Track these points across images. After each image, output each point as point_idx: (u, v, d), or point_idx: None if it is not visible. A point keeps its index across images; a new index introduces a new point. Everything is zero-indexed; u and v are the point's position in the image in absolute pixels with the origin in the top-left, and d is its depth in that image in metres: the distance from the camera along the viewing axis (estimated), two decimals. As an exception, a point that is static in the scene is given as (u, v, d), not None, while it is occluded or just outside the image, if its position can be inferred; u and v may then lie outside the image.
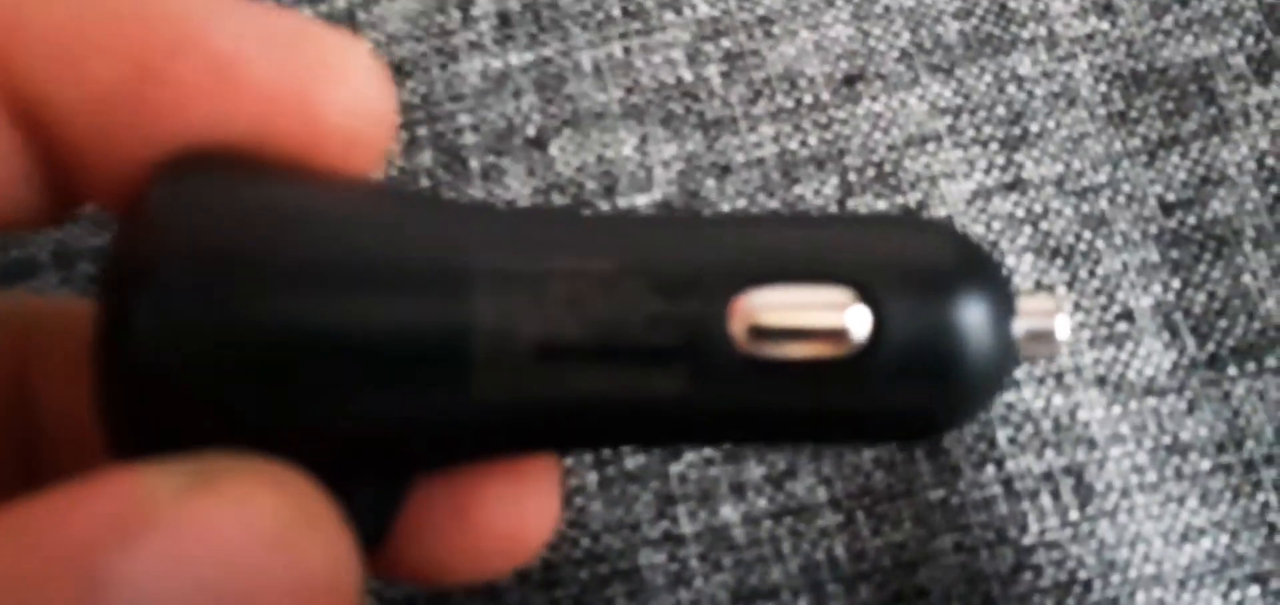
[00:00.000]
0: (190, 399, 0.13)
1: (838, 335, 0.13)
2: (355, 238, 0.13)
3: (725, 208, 0.26)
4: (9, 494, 0.17)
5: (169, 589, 0.11)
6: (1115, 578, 0.23)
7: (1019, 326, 0.14)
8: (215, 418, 0.13)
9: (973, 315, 0.14)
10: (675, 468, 0.24)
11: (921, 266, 0.14)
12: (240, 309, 0.13)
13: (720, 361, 0.13)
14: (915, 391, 0.14)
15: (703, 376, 0.13)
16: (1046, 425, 0.25)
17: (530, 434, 0.14)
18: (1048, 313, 0.14)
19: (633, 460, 0.24)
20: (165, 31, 0.14)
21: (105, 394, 0.13)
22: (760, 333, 0.13)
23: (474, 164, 0.27)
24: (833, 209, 0.26)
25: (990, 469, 0.24)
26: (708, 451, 0.24)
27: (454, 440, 0.14)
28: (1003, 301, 0.14)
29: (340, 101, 0.14)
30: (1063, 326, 0.14)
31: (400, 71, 0.28)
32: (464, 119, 0.27)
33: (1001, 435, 0.24)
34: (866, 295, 0.13)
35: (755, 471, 0.24)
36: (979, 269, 0.14)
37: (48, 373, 0.17)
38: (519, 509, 0.16)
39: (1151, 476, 0.24)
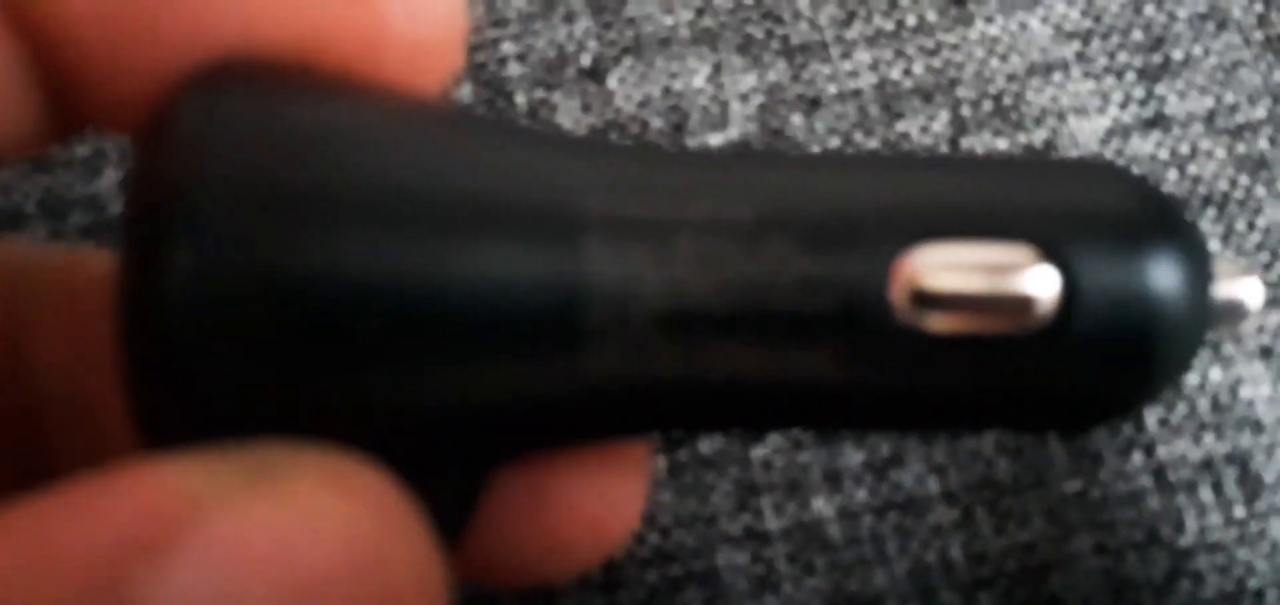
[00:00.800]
0: (237, 364, 0.11)
1: (1022, 305, 0.11)
2: (439, 168, 0.11)
3: (815, 149, 0.23)
4: (8, 469, 0.15)
5: None
6: (1296, 589, 0.20)
7: (1215, 292, 0.13)
8: (267, 388, 0.11)
9: (1176, 280, 0.12)
10: (758, 452, 0.21)
11: (1118, 220, 0.12)
12: (299, 250, 0.11)
13: (879, 336, 0.11)
14: (1108, 370, 0.12)
15: (856, 352, 0.11)
16: (1203, 405, 0.21)
17: (648, 416, 0.12)
18: (1240, 278, 0.13)
19: (708, 443, 0.21)
20: None
21: (132, 357, 0.11)
22: (928, 300, 0.11)
23: (520, 99, 0.24)
24: (943, 149, 0.23)
25: (1138, 456, 0.21)
26: (795, 432, 0.21)
27: (556, 423, 0.12)
28: (1202, 264, 0.12)
29: (404, 3, 0.12)
30: (1256, 295, 0.13)
31: (436, -9, 0.24)
32: (508, 47, 0.24)
33: (1150, 416, 0.21)
34: (1055, 256, 0.11)
35: (853, 458, 0.21)
36: (1178, 226, 0.12)
37: (42, 330, 0.15)
38: (605, 494, 0.14)
39: (1335, 467, 0.21)
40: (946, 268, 0.11)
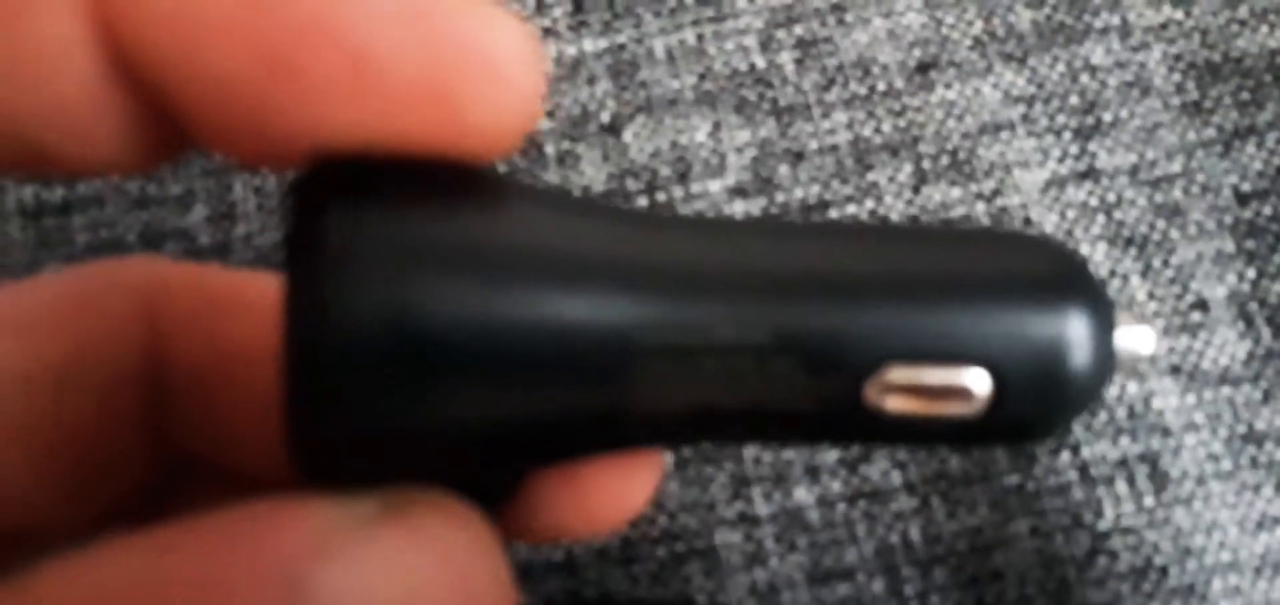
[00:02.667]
0: (372, 392, 0.13)
1: (964, 403, 0.14)
2: (531, 252, 0.13)
3: (799, 194, 0.27)
4: (137, 457, 0.17)
5: None
6: (1191, 564, 0.23)
7: (1117, 343, 0.15)
8: (396, 406, 0.13)
9: (1086, 361, 0.14)
10: (750, 451, 0.25)
11: (1039, 329, 0.14)
12: (422, 310, 0.13)
13: (851, 414, 0.14)
14: (1026, 425, 0.15)
15: (834, 429, 0.15)
16: (1121, 413, 0.25)
17: (669, 445, 0.15)
18: (1139, 334, 0.15)
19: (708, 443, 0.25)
20: (293, 18, 0.12)
21: (292, 395, 0.13)
22: (891, 390, 0.14)
23: (549, 150, 0.27)
24: (907, 196, 0.27)
25: (1066, 455, 0.24)
26: None
27: (602, 450, 0.15)
28: (1106, 324, 0.15)
29: (487, 98, 0.13)
30: (1149, 342, 0.15)
31: (477, 57, 0.28)
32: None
33: (1077, 424, 0.24)
34: (990, 368, 0.14)
35: (829, 456, 0.25)
36: (1089, 293, 0.15)
37: (183, 341, 0.17)
38: (627, 473, 0.17)
39: (1227, 465, 0.24)
40: (906, 379, 0.14)
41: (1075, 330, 0.14)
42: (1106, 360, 0.15)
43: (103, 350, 0.17)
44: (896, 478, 0.24)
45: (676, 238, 0.15)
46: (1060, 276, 0.15)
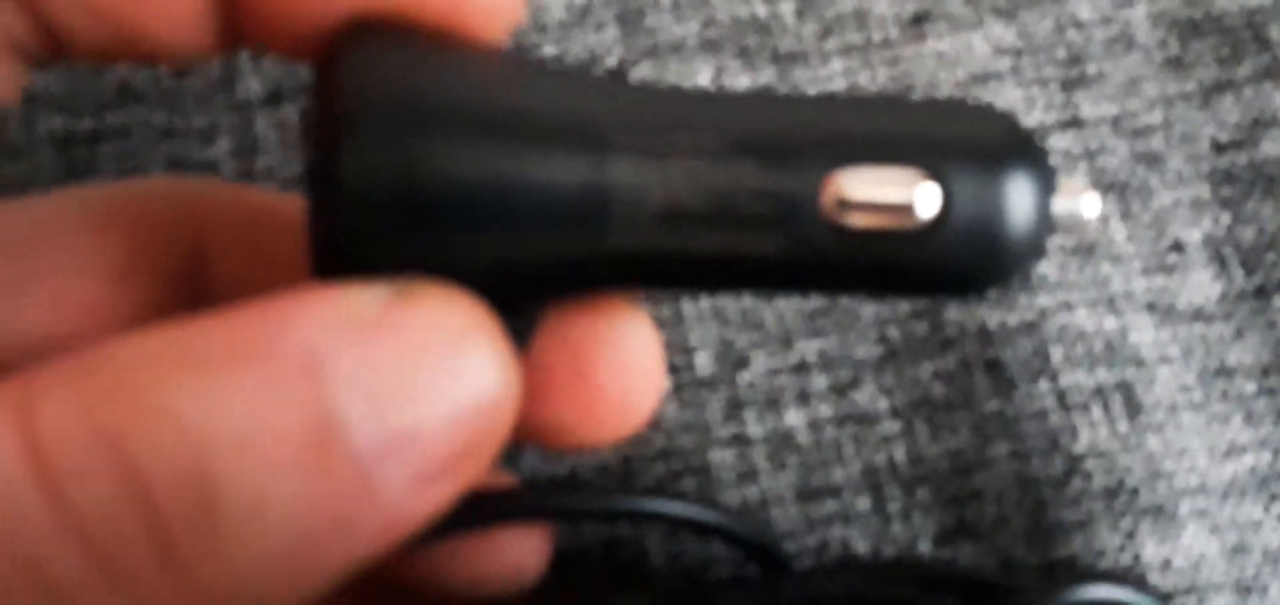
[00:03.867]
0: (383, 227, 0.15)
1: (912, 210, 0.15)
2: (515, 102, 0.15)
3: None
4: None
5: (375, 377, 0.13)
6: (1161, 486, 0.24)
7: (1057, 204, 0.16)
8: (403, 246, 0.15)
9: (1022, 193, 0.16)
10: (744, 376, 0.26)
11: (985, 148, 0.16)
12: (424, 153, 0.15)
13: (811, 228, 0.16)
14: (971, 256, 0.16)
15: (796, 240, 0.16)
16: (1098, 344, 0.26)
17: (651, 277, 0.16)
18: (1079, 192, 0.16)
19: (705, 368, 0.26)
20: None
21: (316, 227, 0.15)
22: (846, 205, 0.15)
23: (558, 90, 0.28)
24: (898, 140, 0.27)
25: (1044, 383, 0.25)
26: (775, 362, 0.26)
27: (590, 278, 0.16)
28: (1045, 180, 0.16)
29: None
30: (1091, 205, 0.17)
31: (490, 2, 0.29)
32: (549, 49, 0.28)
33: (1056, 352, 0.26)
34: (937, 175, 0.15)
35: (820, 381, 0.26)
36: (1028, 151, 0.16)
37: (223, 250, 0.19)
38: (631, 374, 0.18)
39: (1198, 396, 0.25)
40: (861, 182, 0.15)
41: (1016, 166, 0.16)
42: (1044, 210, 0.16)
43: (157, 251, 0.18)
44: (883, 403, 0.25)
45: (646, 90, 0.17)
46: (1004, 127, 0.16)
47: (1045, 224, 0.16)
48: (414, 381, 0.14)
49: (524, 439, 0.19)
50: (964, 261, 0.16)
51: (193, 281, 0.19)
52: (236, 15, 0.16)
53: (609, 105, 0.16)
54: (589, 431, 0.18)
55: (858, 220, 0.15)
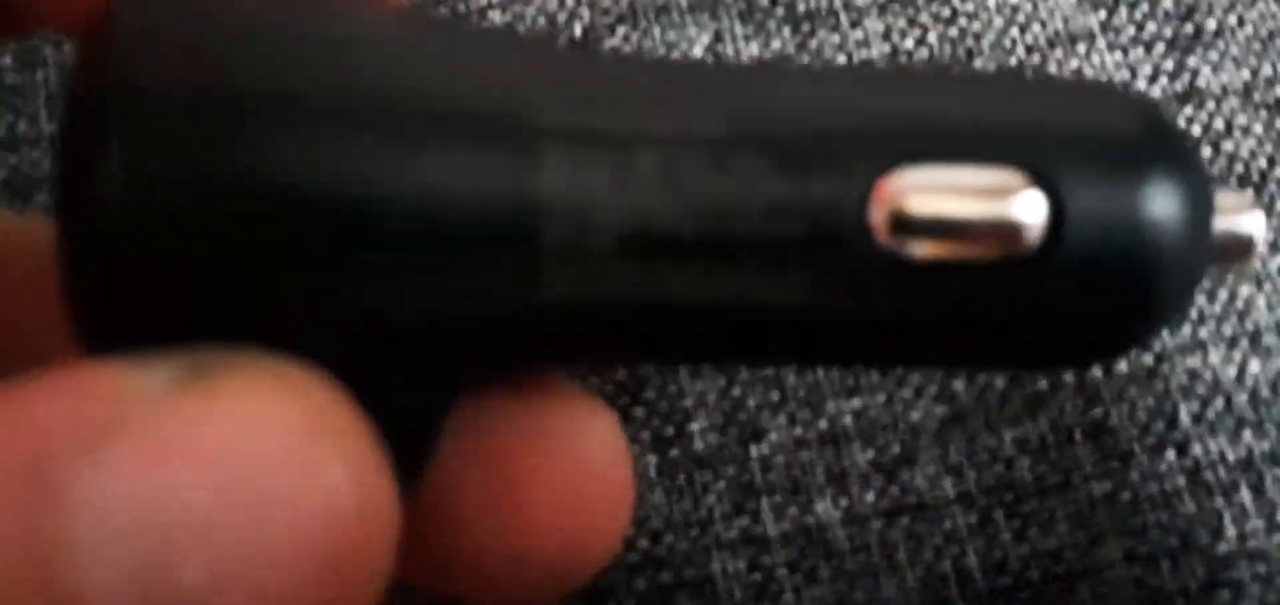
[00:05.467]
0: (174, 269, 0.11)
1: (1008, 231, 0.11)
2: (386, 68, 0.11)
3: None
4: None
5: (146, 509, 0.10)
6: (1348, 602, 0.18)
7: (1217, 225, 0.12)
8: (206, 294, 0.11)
9: (1173, 207, 0.12)
10: (757, 450, 0.20)
11: (1112, 143, 0.11)
12: (237, 152, 0.10)
13: (856, 262, 0.11)
14: (1098, 302, 0.12)
15: (831, 279, 0.11)
16: (1242, 400, 0.20)
17: (607, 338, 0.12)
18: (1244, 210, 0.13)
19: (702, 440, 0.20)
20: None
21: (69, 266, 0.11)
22: (907, 225, 0.11)
23: (505, 68, 0.22)
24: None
25: (1170, 454, 0.20)
26: (799, 432, 0.20)
27: (510, 343, 0.11)
28: (1202, 191, 0.12)
29: None
30: (1260, 229, 0.13)
31: (415, -46, 0.23)
32: (494, 15, 0.23)
33: (1184, 411, 0.20)
34: (1043, 180, 0.11)
35: (860, 457, 0.20)
36: (1177, 149, 0.12)
37: (5, 294, 0.16)
38: (583, 488, 0.14)
39: (1388, 468, 0.19)
40: (929, 191, 0.11)
41: (1159, 170, 0.11)
42: (1202, 233, 0.12)
43: None
44: (949, 486, 0.20)
45: (596, 57, 0.13)
46: (1141, 115, 0.12)
47: (1202, 253, 0.12)
48: (202, 508, 0.10)
49: (425, 592, 0.14)
50: (1085, 311, 0.11)
51: None
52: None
53: (540, 70, 0.11)
54: (522, 580, 0.14)
55: (924, 247, 0.11)
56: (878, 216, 0.11)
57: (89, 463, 0.10)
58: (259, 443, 0.10)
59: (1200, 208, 0.12)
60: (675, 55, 0.22)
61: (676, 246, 0.11)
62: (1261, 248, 0.13)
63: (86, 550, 0.10)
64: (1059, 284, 0.11)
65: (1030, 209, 0.11)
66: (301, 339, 0.11)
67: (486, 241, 0.11)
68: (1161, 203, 0.11)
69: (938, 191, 0.11)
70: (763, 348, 0.12)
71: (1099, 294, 0.11)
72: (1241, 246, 0.12)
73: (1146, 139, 0.12)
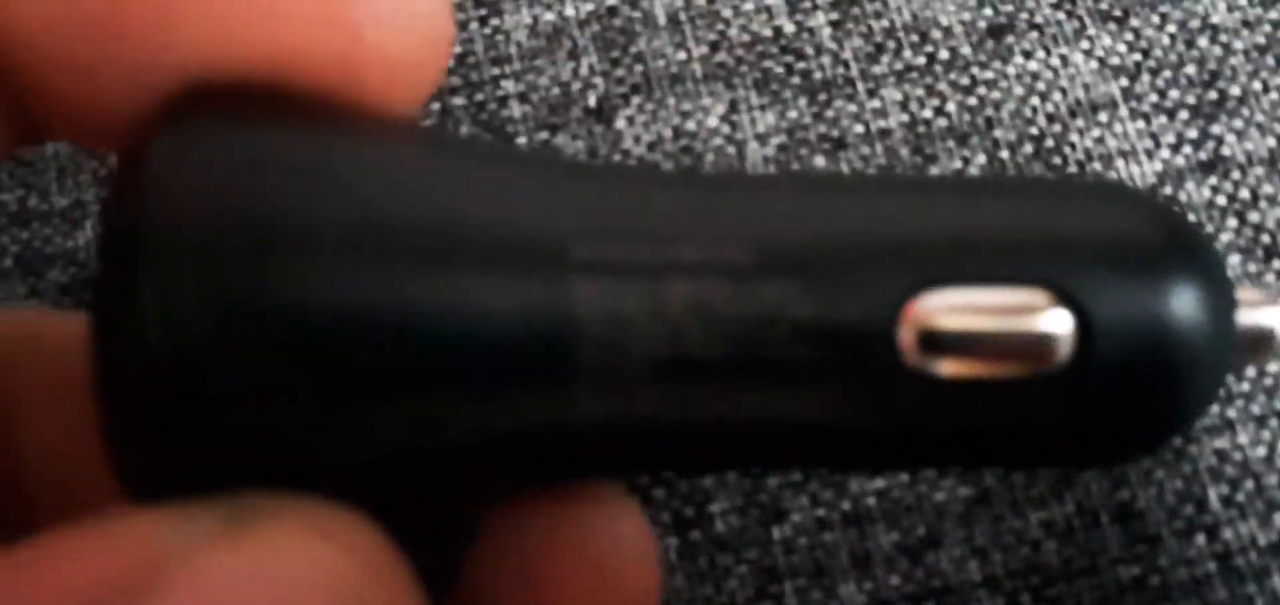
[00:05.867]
0: (209, 407, 0.10)
1: (1038, 348, 0.11)
2: (417, 200, 0.11)
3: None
4: None
5: None
6: (1385, 694, 0.18)
7: (1239, 320, 0.12)
8: (242, 432, 0.10)
9: (1195, 308, 0.12)
10: (779, 532, 0.19)
11: (1132, 250, 0.11)
12: (271, 289, 0.10)
13: (885, 380, 0.11)
14: (1127, 407, 0.12)
15: (861, 396, 0.11)
16: (1272, 481, 0.19)
17: (641, 455, 0.12)
18: (1266, 305, 0.12)
19: (724, 522, 0.19)
20: None
21: (106, 408, 0.10)
22: (936, 345, 0.11)
23: (522, 141, 0.22)
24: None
25: (1201, 539, 0.19)
26: (822, 512, 0.19)
27: (545, 459, 0.11)
28: (1224, 290, 0.12)
29: (384, 15, 0.12)
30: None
31: (429, 25, 0.23)
32: (509, 85, 0.22)
33: (1213, 494, 0.19)
34: (1069, 297, 0.11)
35: (885, 540, 0.19)
36: (1196, 251, 0.12)
37: (31, 402, 0.15)
38: (614, 589, 0.14)
39: None
40: (958, 311, 0.11)
41: (1181, 274, 0.12)
42: (1225, 332, 0.12)
43: None
44: (974, 569, 0.19)
45: (625, 174, 0.12)
46: (1157, 218, 0.12)
47: (1226, 350, 0.12)
48: None
49: None
50: (1114, 417, 0.11)
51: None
52: (28, 110, 0.12)
53: (571, 202, 0.11)
54: None
55: (953, 366, 0.11)
56: (907, 338, 0.11)
57: None
58: (305, 592, 0.10)
59: (1223, 307, 0.12)
60: (691, 126, 0.22)
61: (708, 370, 0.11)
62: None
63: None
64: (1088, 395, 0.11)
65: (1057, 325, 0.11)
66: (339, 470, 0.11)
67: (522, 370, 0.11)
68: (1185, 307, 0.11)
69: (965, 312, 0.11)
70: (791, 459, 0.12)
71: (1128, 401, 0.11)
72: (1263, 340, 0.12)
73: (1167, 244, 0.12)
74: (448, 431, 0.11)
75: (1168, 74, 0.22)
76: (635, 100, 0.22)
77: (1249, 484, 0.19)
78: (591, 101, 0.22)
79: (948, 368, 0.11)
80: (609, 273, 0.11)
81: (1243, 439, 0.19)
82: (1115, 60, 0.22)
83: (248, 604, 0.10)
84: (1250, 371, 0.20)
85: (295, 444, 0.11)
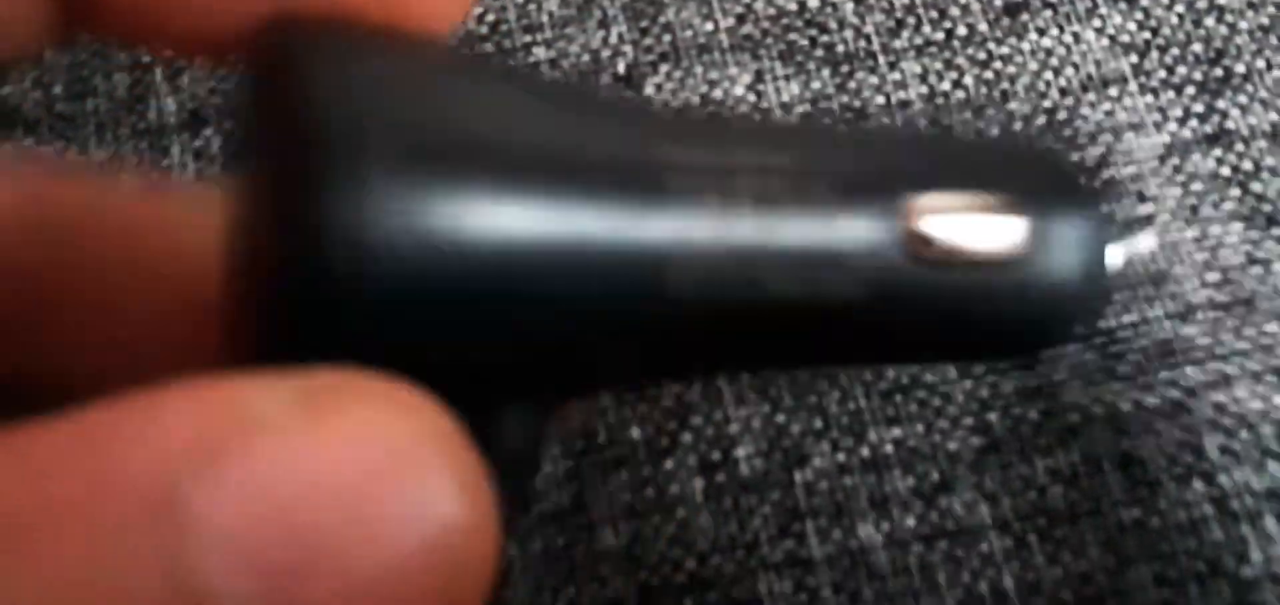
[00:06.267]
0: (385, 309, 0.11)
1: (1000, 238, 0.14)
2: (551, 125, 0.13)
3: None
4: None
5: (270, 525, 0.10)
6: (1371, 628, 0.19)
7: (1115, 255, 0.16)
8: (398, 329, 0.11)
9: (1080, 234, 0.15)
10: (801, 476, 0.20)
11: (1063, 187, 0.15)
12: (438, 204, 0.11)
13: (894, 259, 0.14)
14: (1053, 297, 0.15)
15: (877, 274, 0.14)
16: (1267, 431, 0.20)
17: (715, 333, 0.13)
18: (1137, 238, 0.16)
19: (748, 465, 0.20)
20: None
21: (278, 301, 0.11)
22: (928, 238, 0.14)
23: (556, 104, 0.23)
24: (993, 162, 0.22)
25: (1198, 484, 0.20)
26: (842, 458, 0.20)
27: (639, 342, 0.13)
28: (1103, 224, 0.15)
29: None
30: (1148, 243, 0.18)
31: (470, -6, 0.24)
32: (540, 52, 0.23)
33: (1212, 443, 0.20)
34: (1017, 207, 0.14)
35: (901, 483, 0.20)
36: (1085, 193, 0.16)
37: (78, 289, 0.15)
38: None
39: None
40: (945, 208, 0.14)
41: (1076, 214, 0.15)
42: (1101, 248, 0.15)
43: None
44: (985, 512, 0.20)
45: (690, 114, 0.15)
46: (1070, 173, 0.15)
47: (1102, 268, 0.15)
48: (327, 523, 0.10)
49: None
50: (1047, 307, 0.15)
51: (24, 339, 0.15)
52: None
53: (648, 120, 0.14)
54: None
55: (940, 251, 0.14)
56: (909, 224, 0.14)
57: (214, 480, 0.10)
58: (374, 458, 0.10)
59: (1100, 236, 0.15)
60: (717, 94, 0.23)
61: (765, 251, 0.13)
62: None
63: (216, 568, 0.10)
64: (1029, 280, 0.15)
65: (1013, 229, 0.14)
66: (460, 369, 0.12)
67: (627, 258, 0.12)
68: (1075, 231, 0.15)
69: (950, 209, 0.14)
70: (823, 339, 0.14)
71: (1055, 290, 0.15)
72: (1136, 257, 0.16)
73: (1073, 186, 0.15)
74: (565, 322, 0.12)
75: (1176, 51, 0.23)
76: (663, 68, 0.23)
77: (1244, 434, 0.20)
78: (620, 69, 0.23)
79: (936, 250, 0.14)
80: (690, 171, 0.13)
81: (1240, 393, 0.20)
82: (1125, 38, 0.23)
83: (326, 471, 0.10)
84: (1251, 331, 0.20)
85: (429, 347, 0.12)
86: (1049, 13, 0.23)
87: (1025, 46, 0.23)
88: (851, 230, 0.14)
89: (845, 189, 0.14)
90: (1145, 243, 0.17)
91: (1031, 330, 0.15)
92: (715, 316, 0.13)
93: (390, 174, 0.11)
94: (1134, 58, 0.23)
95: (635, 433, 0.20)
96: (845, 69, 0.23)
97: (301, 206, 0.11)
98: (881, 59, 0.23)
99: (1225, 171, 0.22)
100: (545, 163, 0.12)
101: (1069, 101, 0.22)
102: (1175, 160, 0.22)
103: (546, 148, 0.12)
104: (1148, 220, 0.22)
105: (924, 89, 0.22)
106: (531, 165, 0.12)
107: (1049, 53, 0.23)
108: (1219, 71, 0.22)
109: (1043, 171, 0.16)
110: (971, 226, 0.14)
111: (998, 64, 0.23)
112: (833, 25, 0.23)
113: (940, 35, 0.23)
